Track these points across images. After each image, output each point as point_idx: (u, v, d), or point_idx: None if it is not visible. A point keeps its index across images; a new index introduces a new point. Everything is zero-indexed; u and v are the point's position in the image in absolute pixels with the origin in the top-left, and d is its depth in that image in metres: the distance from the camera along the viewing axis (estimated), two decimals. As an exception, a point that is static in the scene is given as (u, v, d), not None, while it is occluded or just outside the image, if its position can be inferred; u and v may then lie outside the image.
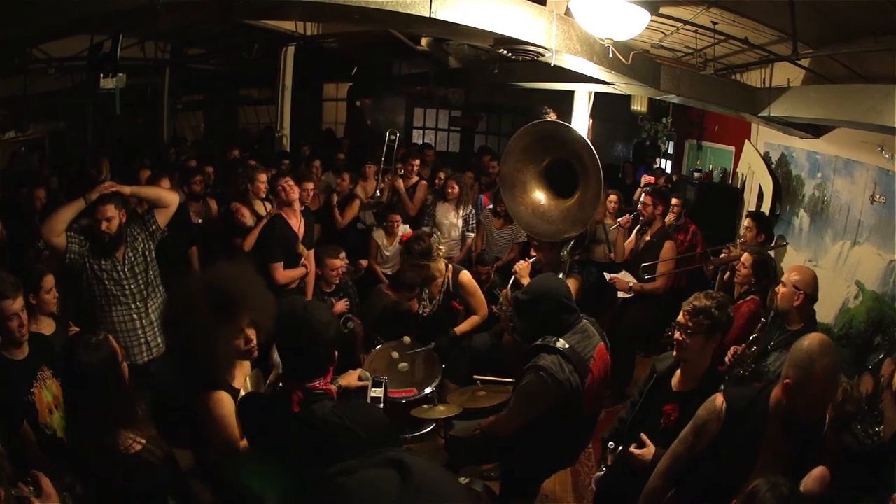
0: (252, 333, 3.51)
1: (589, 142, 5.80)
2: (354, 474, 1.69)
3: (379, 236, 8.56)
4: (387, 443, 3.21)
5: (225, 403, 3.39)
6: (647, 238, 8.02)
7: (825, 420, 3.35)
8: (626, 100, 10.30)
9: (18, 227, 7.02)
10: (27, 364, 4.16)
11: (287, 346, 3.33)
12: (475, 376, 5.63)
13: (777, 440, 3.33)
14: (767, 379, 4.76)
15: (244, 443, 3.38)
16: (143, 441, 3.05)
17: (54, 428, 4.09)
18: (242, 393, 3.60)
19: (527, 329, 4.54)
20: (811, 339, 3.31)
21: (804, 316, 4.99)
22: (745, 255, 6.13)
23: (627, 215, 8.20)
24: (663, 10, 6.02)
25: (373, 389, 4.33)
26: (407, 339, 6.04)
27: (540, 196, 6.02)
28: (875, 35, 5.22)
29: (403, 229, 8.28)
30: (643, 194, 8.17)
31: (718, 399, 3.60)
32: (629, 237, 8.28)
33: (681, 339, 4.04)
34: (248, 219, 7.14)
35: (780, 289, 5.05)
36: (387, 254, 8.49)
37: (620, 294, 7.78)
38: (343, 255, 7.08)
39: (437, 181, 9.75)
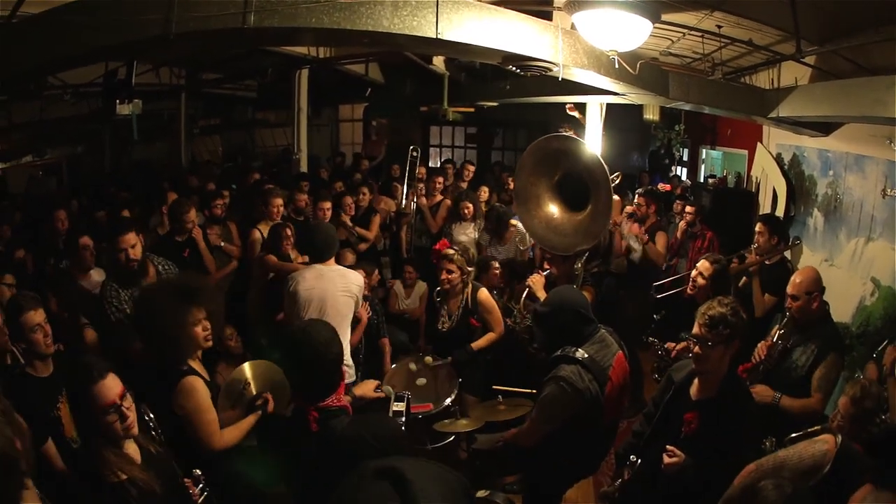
0: (208, 325, 4.25)
1: (598, 155, 5.84)
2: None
3: (398, 287, 8.47)
4: (399, 453, 3.29)
5: (199, 385, 4.03)
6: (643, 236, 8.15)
7: None
8: (638, 109, 10.36)
9: (39, 249, 7.16)
10: (52, 381, 4.26)
11: (292, 369, 3.44)
12: (494, 387, 5.68)
13: None
14: (798, 374, 4.81)
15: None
16: (125, 476, 3.04)
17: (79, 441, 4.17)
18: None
19: (546, 340, 4.61)
20: None
21: (821, 312, 5.04)
22: (704, 262, 5.78)
23: (623, 215, 8.30)
24: (669, 18, 6.05)
25: (395, 403, 4.40)
26: (429, 359, 6.12)
27: (553, 209, 6.05)
28: (876, 26, 5.22)
29: (421, 285, 8.29)
30: (637, 195, 8.32)
31: (828, 447, 3.38)
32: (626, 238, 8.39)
33: (700, 352, 3.98)
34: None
35: (793, 303, 4.97)
36: (405, 304, 8.37)
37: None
38: (376, 272, 7.19)
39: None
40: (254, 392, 4.37)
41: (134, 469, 3.09)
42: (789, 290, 5.04)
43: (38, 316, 4.21)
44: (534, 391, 5.27)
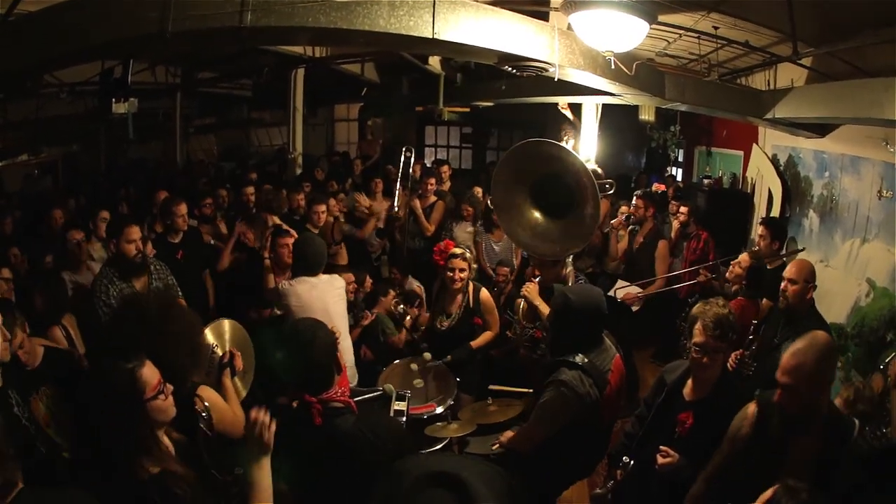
0: None
1: (579, 156, 5.77)
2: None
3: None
4: (403, 452, 3.29)
5: (214, 397, 3.81)
6: (640, 239, 8.11)
7: (816, 417, 3.40)
8: (633, 110, 10.35)
9: (34, 247, 7.18)
10: (28, 376, 4.17)
11: (285, 365, 3.48)
12: (490, 387, 5.67)
13: (804, 441, 3.38)
14: None
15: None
16: (157, 470, 2.94)
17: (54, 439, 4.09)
18: None
19: (566, 336, 4.50)
20: (811, 336, 3.44)
21: (809, 305, 5.19)
22: (745, 255, 6.21)
23: (619, 217, 8.30)
24: (666, 19, 6.05)
25: (396, 402, 4.42)
26: (427, 355, 6.08)
27: (537, 216, 5.95)
28: (874, 28, 5.23)
29: (411, 283, 8.28)
30: (635, 197, 8.30)
31: (751, 407, 3.67)
32: (623, 238, 8.39)
33: (707, 361, 4.01)
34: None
35: (791, 286, 5.09)
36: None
37: (634, 308, 7.75)
38: (368, 279, 7.44)
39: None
40: (220, 353, 4.45)
41: (171, 462, 3.04)
42: (788, 274, 5.15)
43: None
44: (530, 390, 5.28)
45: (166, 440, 3.14)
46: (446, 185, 10.81)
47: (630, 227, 8.34)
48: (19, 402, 3.83)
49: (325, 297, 5.81)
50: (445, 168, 11.41)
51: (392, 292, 7.25)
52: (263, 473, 3.04)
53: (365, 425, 3.30)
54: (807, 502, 2.65)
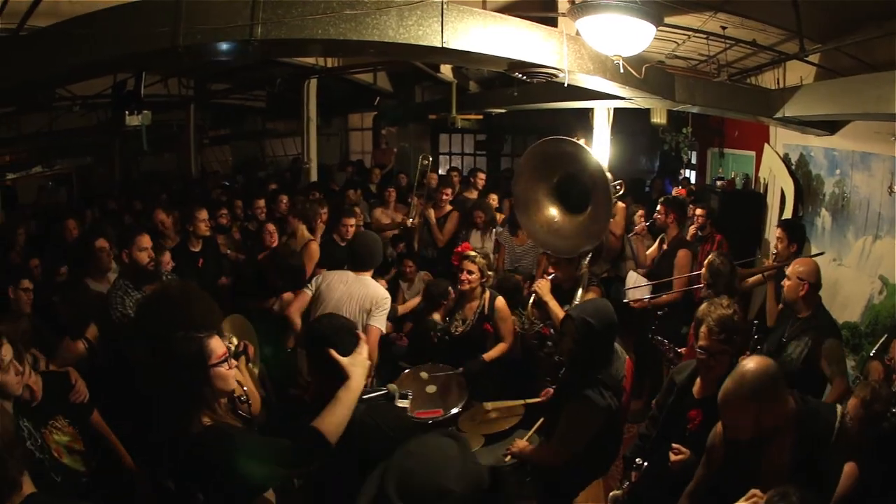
0: None
1: (594, 155, 5.81)
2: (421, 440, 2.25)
3: (402, 284, 8.56)
4: None
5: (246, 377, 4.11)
6: (665, 247, 8.09)
7: (757, 439, 3.46)
8: (645, 113, 10.35)
9: (50, 258, 7.29)
10: (36, 410, 3.94)
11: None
12: (485, 404, 5.68)
13: (774, 448, 3.44)
14: (793, 367, 4.87)
15: None
16: (210, 422, 3.17)
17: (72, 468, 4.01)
18: None
19: (588, 361, 4.48)
20: (739, 369, 3.50)
21: (810, 304, 5.19)
22: (711, 255, 6.18)
23: (643, 224, 8.28)
24: (674, 20, 6.09)
25: (399, 401, 4.48)
26: (424, 374, 6.06)
27: (553, 213, 6.02)
28: (878, 21, 5.24)
29: (423, 274, 8.36)
30: (659, 204, 8.29)
31: (720, 423, 3.71)
32: (652, 246, 8.36)
33: (713, 364, 4.10)
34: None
35: (786, 282, 5.22)
36: (408, 296, 8.39)
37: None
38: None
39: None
40: (234, 343, 4.52)
41: (227, 417, 3.30)
42: (787, 270, 5.29)
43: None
44: (528, 401, 5.31)
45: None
46: (475, 193, 10.81)
47: (661, 236, 8.32)
48: (32, 434, 3.81)
49: (344, 301, 5.74)
50: (481, 175, 11.44)
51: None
52: (351, 396, 3.33)
53: (375, 415, 3.46)
54: None
